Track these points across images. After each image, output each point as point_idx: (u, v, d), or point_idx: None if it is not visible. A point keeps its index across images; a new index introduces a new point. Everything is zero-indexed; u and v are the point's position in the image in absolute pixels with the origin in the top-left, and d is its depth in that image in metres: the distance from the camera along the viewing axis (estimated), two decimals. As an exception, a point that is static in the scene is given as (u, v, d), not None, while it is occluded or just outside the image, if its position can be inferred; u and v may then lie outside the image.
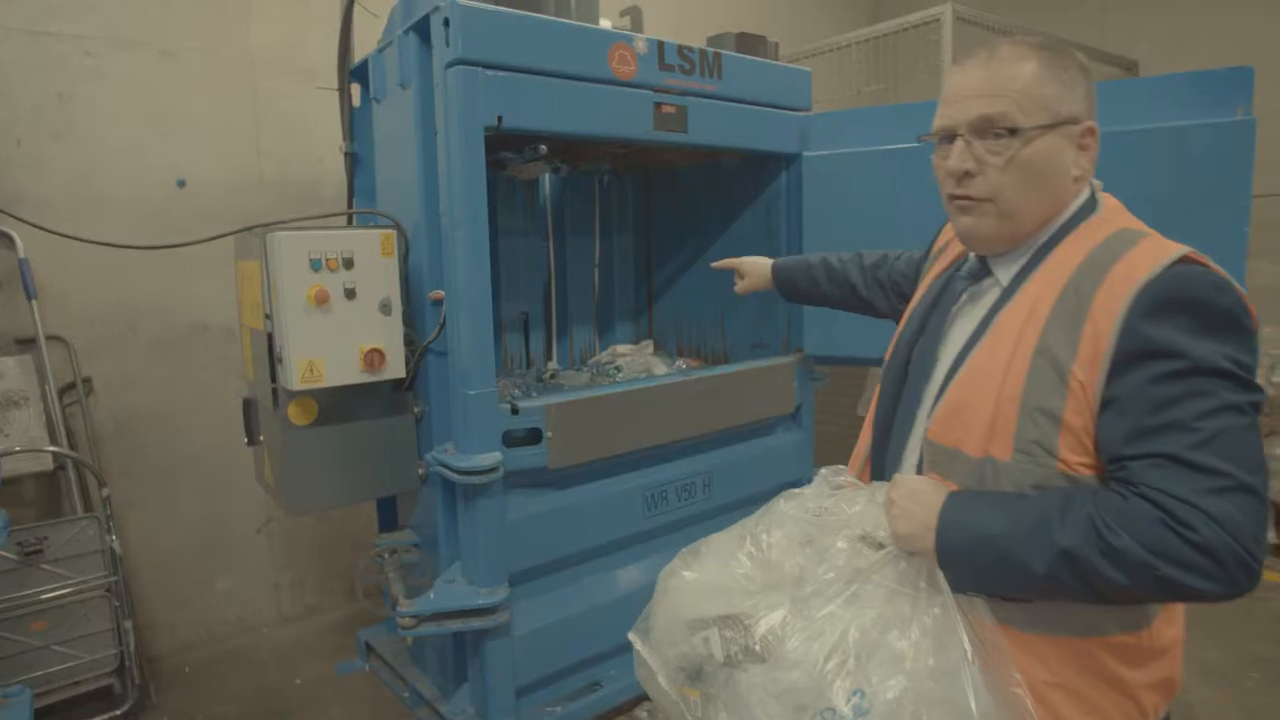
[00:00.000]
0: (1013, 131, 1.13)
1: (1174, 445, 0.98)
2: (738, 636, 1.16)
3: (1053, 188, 1.17)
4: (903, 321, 1.43)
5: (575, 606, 2.60)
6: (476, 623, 2.37)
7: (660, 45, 2.60)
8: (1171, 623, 1.16)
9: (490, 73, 2.24)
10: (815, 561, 1.17)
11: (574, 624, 2.59)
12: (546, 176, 3.44)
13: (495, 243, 3.20)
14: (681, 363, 3.43)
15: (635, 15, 2.94)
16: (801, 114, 3.04)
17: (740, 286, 2.27)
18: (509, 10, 2.29)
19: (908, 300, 1.54)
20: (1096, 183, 1.21)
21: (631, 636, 1.32)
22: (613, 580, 2.72)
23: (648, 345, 3.65)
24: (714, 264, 2.41)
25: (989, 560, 1.06)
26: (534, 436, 2.43)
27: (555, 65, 2.36)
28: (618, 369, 3.37)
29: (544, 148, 2.63)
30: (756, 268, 2.21)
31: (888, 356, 1.40)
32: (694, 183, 3.50)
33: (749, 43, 3.02)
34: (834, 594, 1.12)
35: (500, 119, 2.26)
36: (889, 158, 2.82)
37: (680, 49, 2.66)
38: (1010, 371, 1.10)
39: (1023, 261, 1.20)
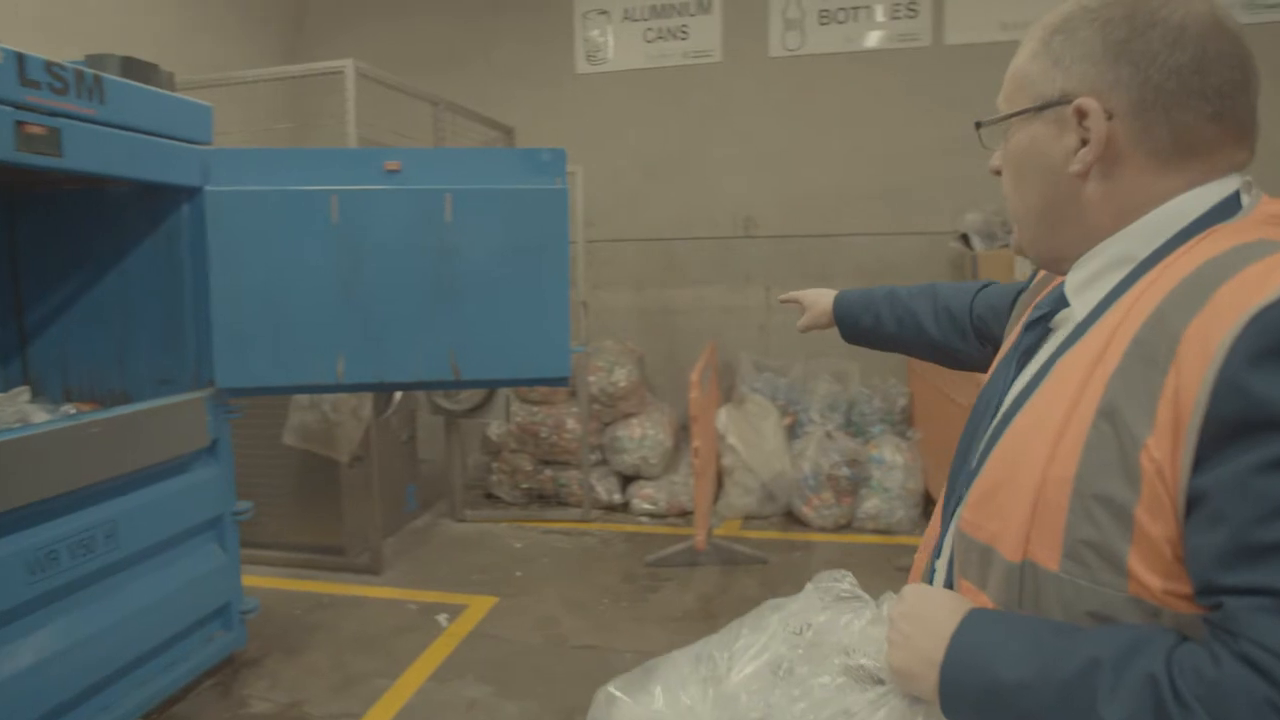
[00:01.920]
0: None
1: None
2: None
3: (1042, 190, 0.89)
4: (989, 374, 1.06)
5: (-69, 702, 2.19)
6: None
7: (21, 58, 2.37)
8: None
9: None
10: (789, 699, 0.89)
11: (-69, 724, 2.18)
12: None
13: None
14: (70, 408, 3.08)
15: (-14, 16, 2.60)
16: (202, 147, 3.03)
17: (801, 323, 1.81)
18: None
19: (999, 345, 1.16)
20: (1245, 180, 0.85)
21: None
22: (-13, 662, 2.34)
23: (22, 392, 3.16)
24: (780, 298, 1.93)
25: None
26: None
27: None
28: (-20, 421, 2.88)
29: None
30: (818, 302, 1.76)
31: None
32: (79, 209, 3.18)
33: (139, 69, 2.90)
34: None
35: None
36: (294, 198, 2.97)
37: (49, 65, 2.45)
38: (1064, 439, 0.77)
39: (1110, 285, 0.85)
